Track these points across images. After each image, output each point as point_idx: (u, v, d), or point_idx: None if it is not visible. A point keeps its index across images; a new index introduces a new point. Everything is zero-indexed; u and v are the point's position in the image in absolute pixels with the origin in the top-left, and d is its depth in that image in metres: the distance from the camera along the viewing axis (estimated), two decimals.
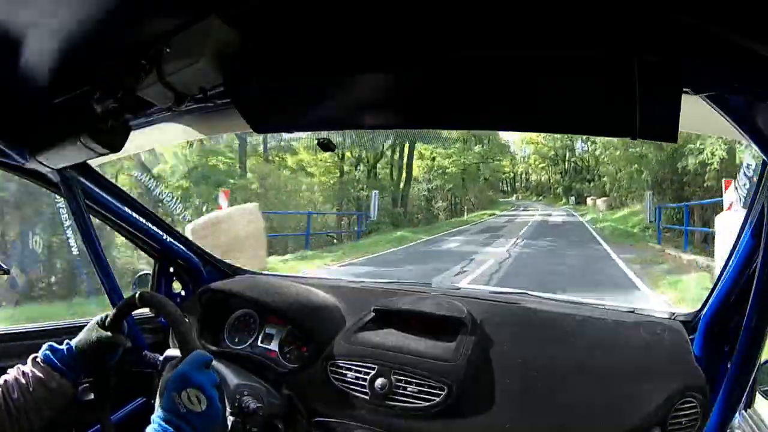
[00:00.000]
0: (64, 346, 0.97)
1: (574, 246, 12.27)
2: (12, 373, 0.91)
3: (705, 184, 12.21)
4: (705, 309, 1.13)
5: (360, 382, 1.20)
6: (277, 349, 1.39)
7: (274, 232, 12.36)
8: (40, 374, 0.91)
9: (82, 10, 0.67)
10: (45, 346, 0.96)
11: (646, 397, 1.04)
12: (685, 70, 0.60)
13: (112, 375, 1.04)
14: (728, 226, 6.21)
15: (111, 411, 1.16)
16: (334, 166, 18.68)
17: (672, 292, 6.61)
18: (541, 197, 42.23)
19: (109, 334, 0.99)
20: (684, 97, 0.63)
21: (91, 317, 1.04)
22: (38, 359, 0.94)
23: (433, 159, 24.44)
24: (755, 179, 0.95)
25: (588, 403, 1.07)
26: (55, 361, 0.94)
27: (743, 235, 0.96)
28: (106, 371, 1.03)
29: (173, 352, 1.21)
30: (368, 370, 1.20)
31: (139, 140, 1.20)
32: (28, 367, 0.93)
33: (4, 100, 0.90)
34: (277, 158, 17.50)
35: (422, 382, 1.15)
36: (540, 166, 42.10)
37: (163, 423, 0.77)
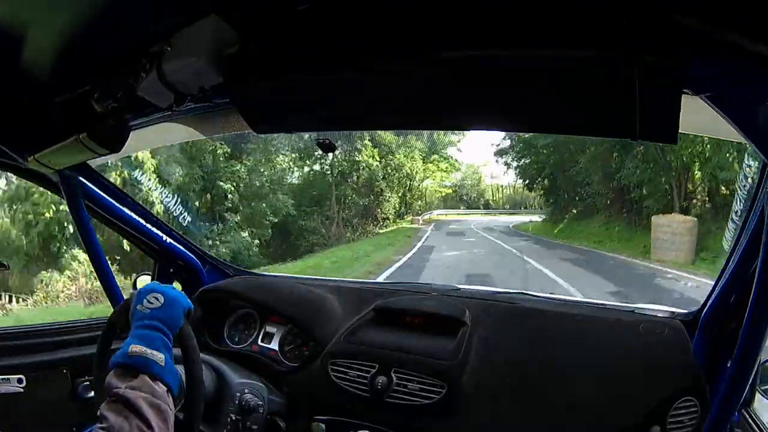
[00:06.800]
0: None
1: None
2: None
3: None
4: (705, 309, 1.13)
5: (360, 381, 1.20)
6: (277, 348, 1.39)
7: None
8: None
9: (82, 9, 0.67)
10: None
11: (645, 396, 1.03)
12: (685, 70, 0.60)
13: None
14: None
15: None
16: None
17: None
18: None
19: None
20: (684, 97, 0.63)
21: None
22: None
23: None
24: (755, 180, 0.95)
25: (587, 402, 1.06)
26: None
27: (743, 235, 0.96)
28: None
29: None
30: (368, 369, 1.20)
31: (139, 140, 1.20)
32: None
33: (4, 99, 0.90)
34: None
35: (422, 380, 1.15)
36: None
37: (136, 332, 0.83)
